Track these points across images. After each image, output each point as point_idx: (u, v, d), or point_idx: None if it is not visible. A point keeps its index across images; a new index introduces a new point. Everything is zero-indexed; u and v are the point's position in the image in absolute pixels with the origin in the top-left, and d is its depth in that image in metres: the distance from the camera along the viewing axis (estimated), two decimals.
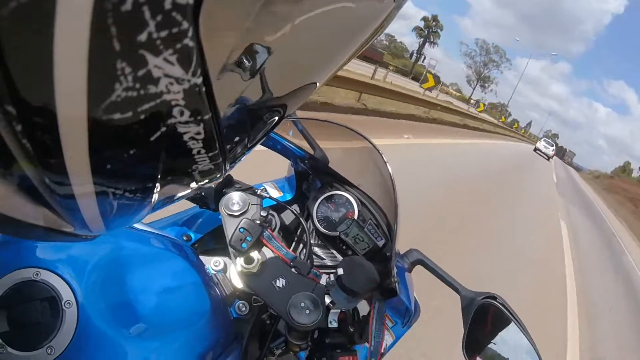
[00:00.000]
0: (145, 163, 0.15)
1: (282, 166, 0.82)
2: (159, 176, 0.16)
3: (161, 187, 0.17)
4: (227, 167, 0.19)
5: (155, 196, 0.17)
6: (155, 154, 0.15)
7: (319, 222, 0.66)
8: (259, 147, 0.76)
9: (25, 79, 0.11)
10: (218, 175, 0.19)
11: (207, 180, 0.19)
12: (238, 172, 0.42)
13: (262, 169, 0.89)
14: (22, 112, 0.11)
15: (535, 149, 30.10)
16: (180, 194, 0.21)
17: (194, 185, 0.19)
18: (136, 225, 0.44)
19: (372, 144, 0.65)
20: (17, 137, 0.12)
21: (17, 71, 0.10)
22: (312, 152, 0.69)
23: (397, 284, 0.52)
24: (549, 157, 28.94)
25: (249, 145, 0.21)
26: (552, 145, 30.65)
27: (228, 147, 0.18)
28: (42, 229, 0.16)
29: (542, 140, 32.10)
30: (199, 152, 0.16)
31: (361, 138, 0.66)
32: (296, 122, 0.69)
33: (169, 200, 0.20)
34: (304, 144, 0.69)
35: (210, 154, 0.16)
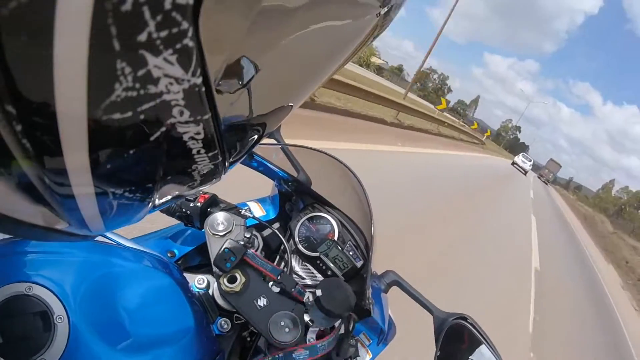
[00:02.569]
0: (145, 163, 0.15)
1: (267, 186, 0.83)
2: (159, 176, 0.16)
3: (161, 187, 0.17)
4: (227, 167, 0.19)
5: (156, 196, 0.17)
6: (155, 153, 0.15)
7: (300, 242, 0.68)
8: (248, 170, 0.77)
9: (26, 79, 0.11)
10: (217, 175, 0.19)
11: (207, 180, 0.19)
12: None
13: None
14: (22, 112, 0.11)
15: (513, 163, 31.08)
16: (180, 194, 0.21)
17: (194, 185, 0.19)
18: (123, 242, 0.46)
19: (350, 170, 0.69)
20: (17, 137, 0.12)
21: (17, 71, 0.10)
22: (295, 174, 0.72)
23: (371, 305, 0.54)
24: (525, 172, 29.48)
25: (247, 147, 0.21)
26: (530, 161, 31.74)
27: (227, 147, 0.18)
28: (42, 229, 0.16)
29: (520, 155, 32.85)
30: (198, 152, 0.16)
31: (342, 165, 0.70)
32: (283, 148, 0.73)
33: (169, 200, 0.20)
34: (289, 167, 0.72)
35: (209, 154, 0.17)
